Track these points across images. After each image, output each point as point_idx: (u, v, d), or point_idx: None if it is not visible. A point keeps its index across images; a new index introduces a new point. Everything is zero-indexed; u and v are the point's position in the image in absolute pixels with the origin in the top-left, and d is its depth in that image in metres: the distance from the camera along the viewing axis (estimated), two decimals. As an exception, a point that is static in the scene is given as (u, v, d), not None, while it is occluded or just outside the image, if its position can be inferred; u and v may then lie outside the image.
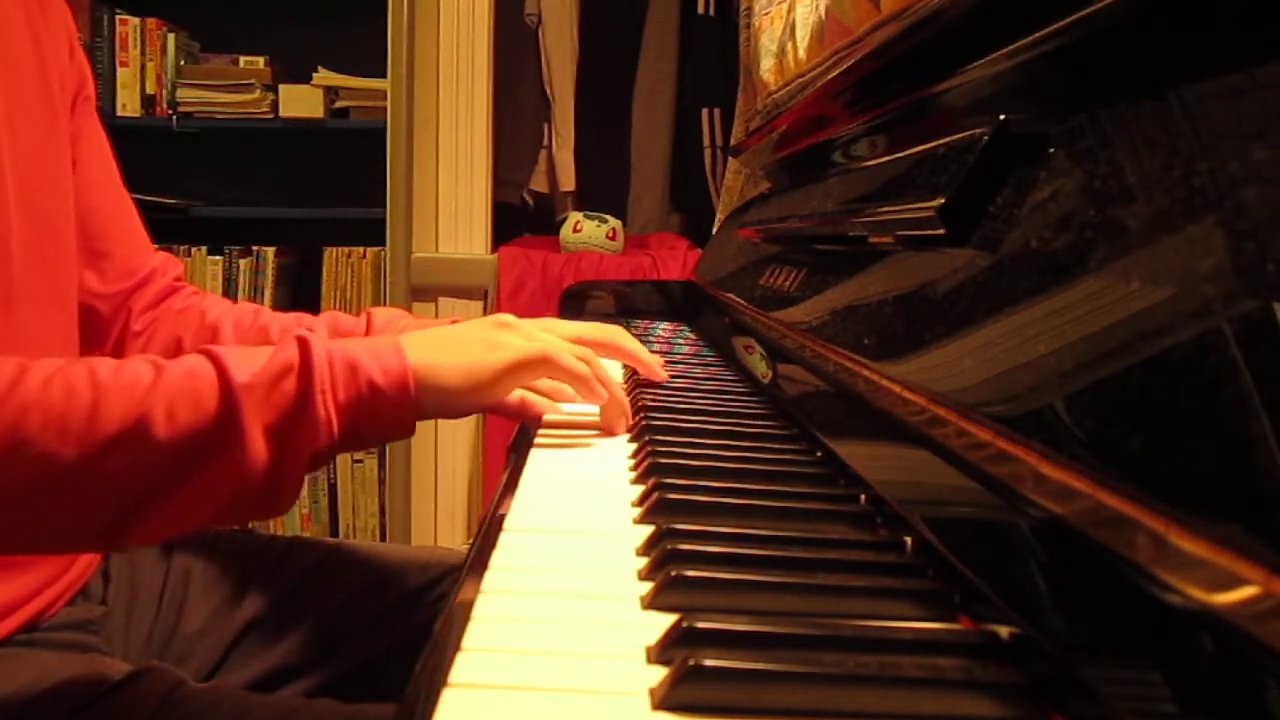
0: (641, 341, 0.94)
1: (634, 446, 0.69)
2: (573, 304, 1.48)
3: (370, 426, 0.63)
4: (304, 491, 2.47)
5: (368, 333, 0.87)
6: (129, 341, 0.86)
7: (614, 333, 0.81)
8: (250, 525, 2.56)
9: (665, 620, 0.38)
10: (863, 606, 0.42)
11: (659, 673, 0.35)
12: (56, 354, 0.72)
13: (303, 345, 0.61)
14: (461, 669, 0.35)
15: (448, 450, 2.35)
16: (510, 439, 0.76)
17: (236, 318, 0.89)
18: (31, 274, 0.69)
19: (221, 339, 0.87)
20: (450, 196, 2.34)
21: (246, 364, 0.59)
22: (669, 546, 0.45)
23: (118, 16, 2.47)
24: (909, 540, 0.48)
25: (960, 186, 0.56)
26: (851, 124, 0.95)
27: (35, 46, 0.73)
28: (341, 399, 0.61)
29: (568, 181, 2.57)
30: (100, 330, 0.85)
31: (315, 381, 0.60)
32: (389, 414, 0.63)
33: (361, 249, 2.51)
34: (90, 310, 0.82)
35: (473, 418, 2.36)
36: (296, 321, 0.90)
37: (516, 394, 0.75)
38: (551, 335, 0.71)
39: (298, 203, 2.57)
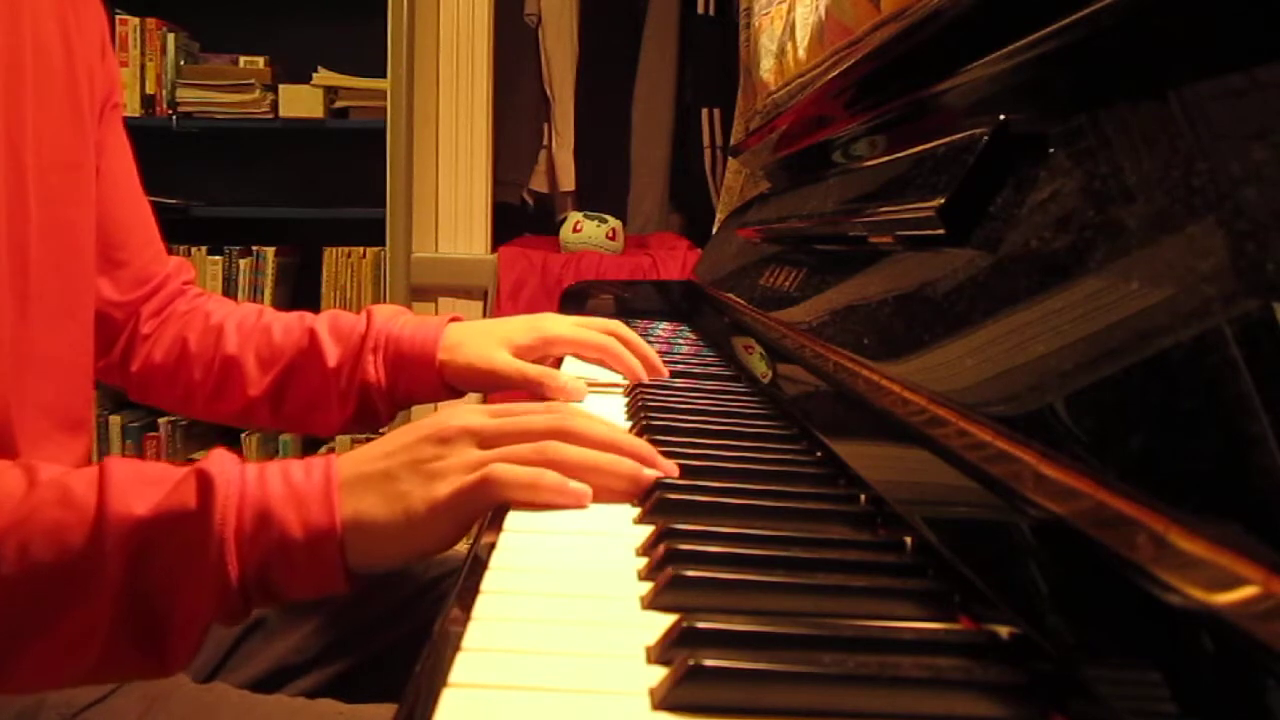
0: None
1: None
2: (572, 304, 1.48)
3: (287, 585, 0.53)
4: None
5: (367, 330, 0.87)
6: (138, 345, 0.87)
7: (613, 325, 0.82)
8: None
9: (665, 620, 0.38)
10: (863, 606, 0.42)
11: (659, 673, 0.35)
12: (69, 365, 0.72)
13: (203, 483, 0.52)
14: (461, 669, 0.35)
15: (448, 450, 2.35)
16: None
17: (240, 319, 0.90)
18: (47, 285, 0.68)
19: (226, 340, 0.87)
20: (450, 196, 2.34)
21: (137, 497, 0.51)
22: (669, 546, 0.45)
23: (118, 16, 2.47)
24: (909, 540, 0.48)
25: (960, 186, 0.56)
26: (851, 124, 0.95)
27: (66, 51, 0.71)
28: (248, 556, 0.51)
29: (568, 181, 2.57)
30: (110, 335, 0.85)
31: (213, 530, 0.51)
32: (309, 573, 0.52)
33: (361, 249, 2.51)
34: (103, 317, 0.82)
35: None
36: (298, 321, 0.90)
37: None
38: (503, 443, 0.56)
39: (298, 203, 2.57)
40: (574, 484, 0.54)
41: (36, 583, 0.49)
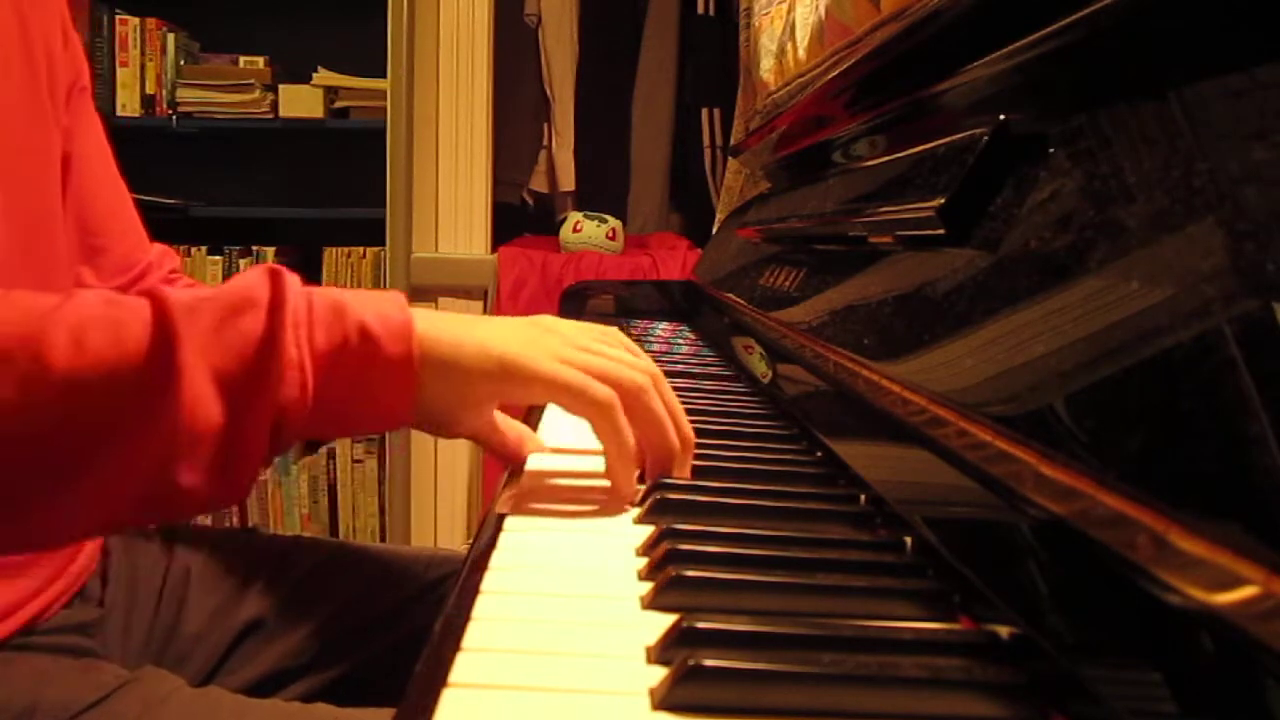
0: (641, 342, 0.95)
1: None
2: (572, 304, 1.48)
3: (356, 394, 0.48)
4: (303, 491, 2.48)
5: None
6: None
7: (611, 332, 0.82)
8: (251, 525, 2.56)
9: (665, 620, 0.38)
10: (862, 606, 0.42)
11: (659, 673, 0.35)
12: None
13: (274, 274, 0.48)
14: (461, 669, 0.35)
15: (447, 450, 2.35)
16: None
17: None
18: (18, 275, 0.68)
19: None
20: (450, 196, 2.34)
21: (193, 293, 0.47)
22: (669, 546, 0.45)
23: (118, 16, 2.47)
24: (909, 540, 0.48)
25: (960, 186, 0.56)
26: (851, 124, 0.95)
27: (23, 37, 0.71)
28: (321, 345, 0.47)
29: (568, 181, 2.57)
30: None
31: (287, 318, 0.46)
32: (382, 377, 0.48)
33: (361, 249, 2.51)
34: None
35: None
36: None
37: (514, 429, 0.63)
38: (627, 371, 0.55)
39: (298, 203, 2.57)
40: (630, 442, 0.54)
41: (90, 383, 0.43)
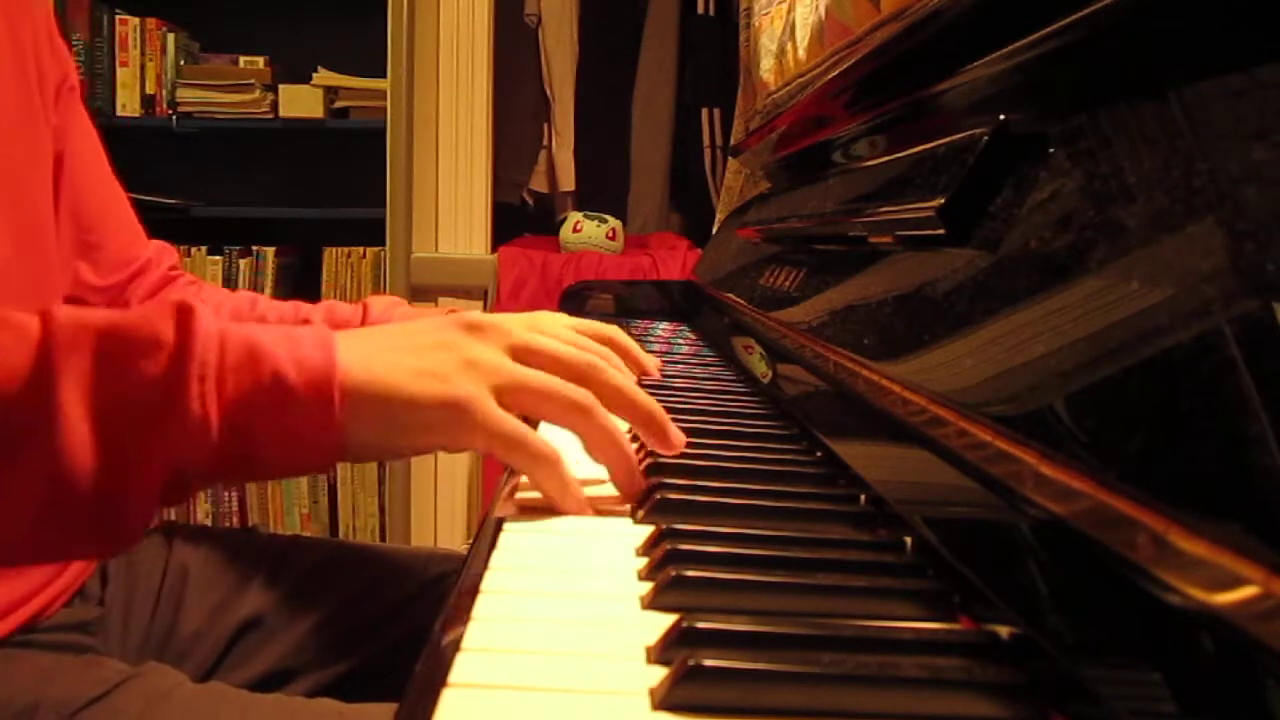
0: (641, 342, 0.95)
1: (634, 447, 0.69)
2: (572, 304, 1.48)
3: (273, 443, 0.44)
4: (303, 490, 2.48)
5: (364, 320, 0.88)
6: None
7: (610, 330, 0.82)
8: (251, 524, 2.56)
9: (665, 620, 0.38)
10: (863, 606, 0.42)
11: (659, 673, 0.35)
12: None
13: (182, 313, 0.44)
14: (461, 669, 0.35)
15: (447, 450, 2.35)
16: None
17: (234, 306, 0.90)
18: (13, 276, 0.68)
19: None
20: (450, 196, 2.34)
21: (92, 314, 0.43)
22: (669, 546, 0.45)
23: (118, 16, 2.47)
24: (909, 540, 0.48)
25: (960, 187, 0.56)
26: (851, 124, 0.95)
27: (12, 38, 0.71)
28: (230, 395, 0.43)
29: (568, 181, 2.57)
30: None
31: (192, 367, 0.42)
32: (301, 426, 0.44)
33: (361, 249, 2.51)
34: (84, 304, 0.82)
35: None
36: (293, 310, 0.91)
37: None
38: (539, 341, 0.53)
39: (298, 203, 2.57)
40: (611, 421, 0.51)
41: None
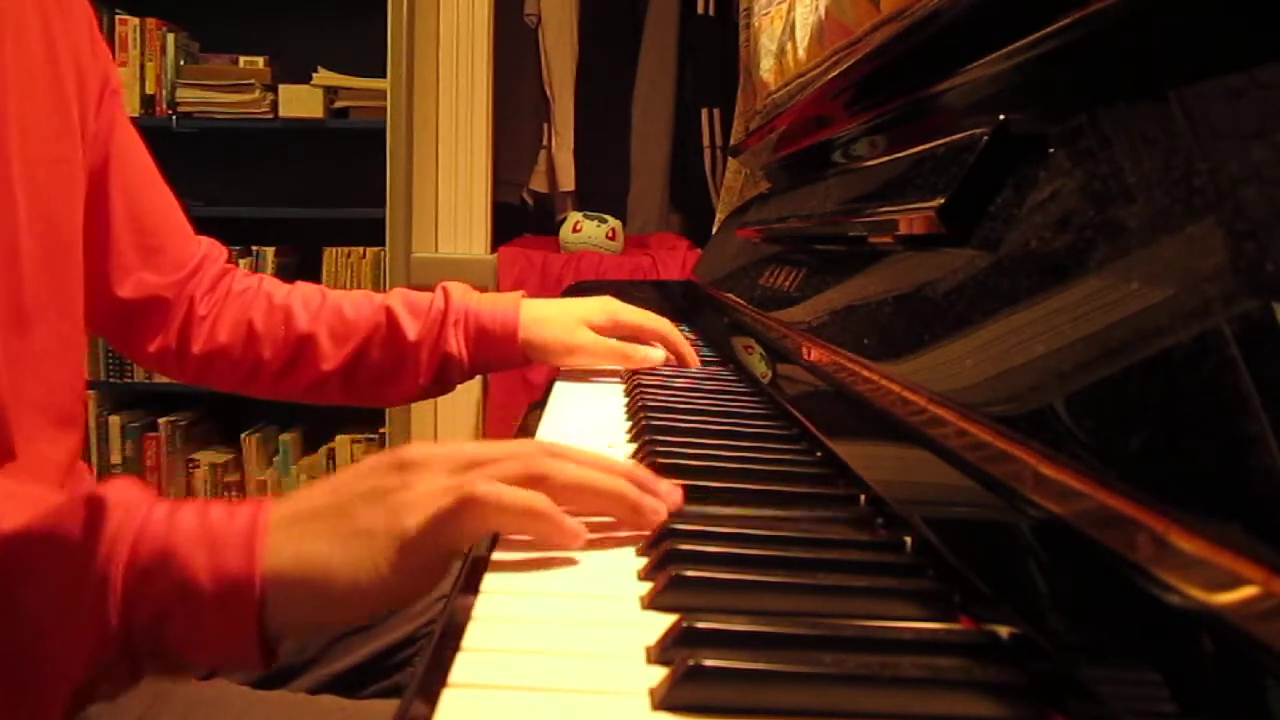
0: (641, 342, 0.96)
1: (634, 447, 0.69)
2: (573, 304, 1.48)
3: (187, 646, 0.43)
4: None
5: (447, 306, 0.91)
6: (196, 326, 0.88)
7: (664, 321, 0.96)
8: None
9: (665, 620, 0.38)
10: (863, 606, 0.42)
11: (659, 673, 0.35)
12: (60, 361, 0.71)
13: (94, 507, 0.43)
14: (461, 669, 0.35)
15: (448, 450, 2.35)
16: (511, 438, 0.76)
17: (305, 297, 0.92)
18: (41, 286, 0.68)
19: (296, 319, 0.90)
20: (450, 196, 2.34)
21: (5, 515, 0.42)
22: (669, 546, 0.45)
23: (118, 16, 2.47)
24: (909, 540, 0.48)
25: (960, 186, 0.56)
26: (851, 124, 0.95)
27: (48, 44, 0.71)
28: (138, 596, 0.42)
29: (567, 181, 2.57)
30: (164, 318, 0.86)
31: (97, 559, 0.41)
32: (214, 633, 0.42)
33: (361, 249, 2.51)
34: (156, 300, 0.85)
35: (474, 414, 2.36)
36: (367, 299, 0.93)
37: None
38: (477, 467, 0.47)
39: (298, 203, 2.57)
40: (569, 520, 0.46)
41: None
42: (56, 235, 0.71)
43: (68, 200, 0.73)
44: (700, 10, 2.53)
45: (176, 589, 0.42)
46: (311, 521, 0.44)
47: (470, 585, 0.43)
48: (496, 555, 0.46)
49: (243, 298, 0.91)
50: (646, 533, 0.49)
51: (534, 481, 0.47)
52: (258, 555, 0.42)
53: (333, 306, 0.92)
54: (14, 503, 0.43)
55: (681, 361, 0.97)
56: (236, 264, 0.96)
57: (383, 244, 2.34)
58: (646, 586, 0.43)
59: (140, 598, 0.42)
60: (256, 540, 0.43)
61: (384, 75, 2.27)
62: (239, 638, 0.42)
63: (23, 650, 0.41)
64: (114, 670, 0.42)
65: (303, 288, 0.94)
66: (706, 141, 2.54)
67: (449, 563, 0.45)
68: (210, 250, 0.92)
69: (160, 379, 2.42)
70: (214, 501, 0.45)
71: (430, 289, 0.94)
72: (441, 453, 0.48)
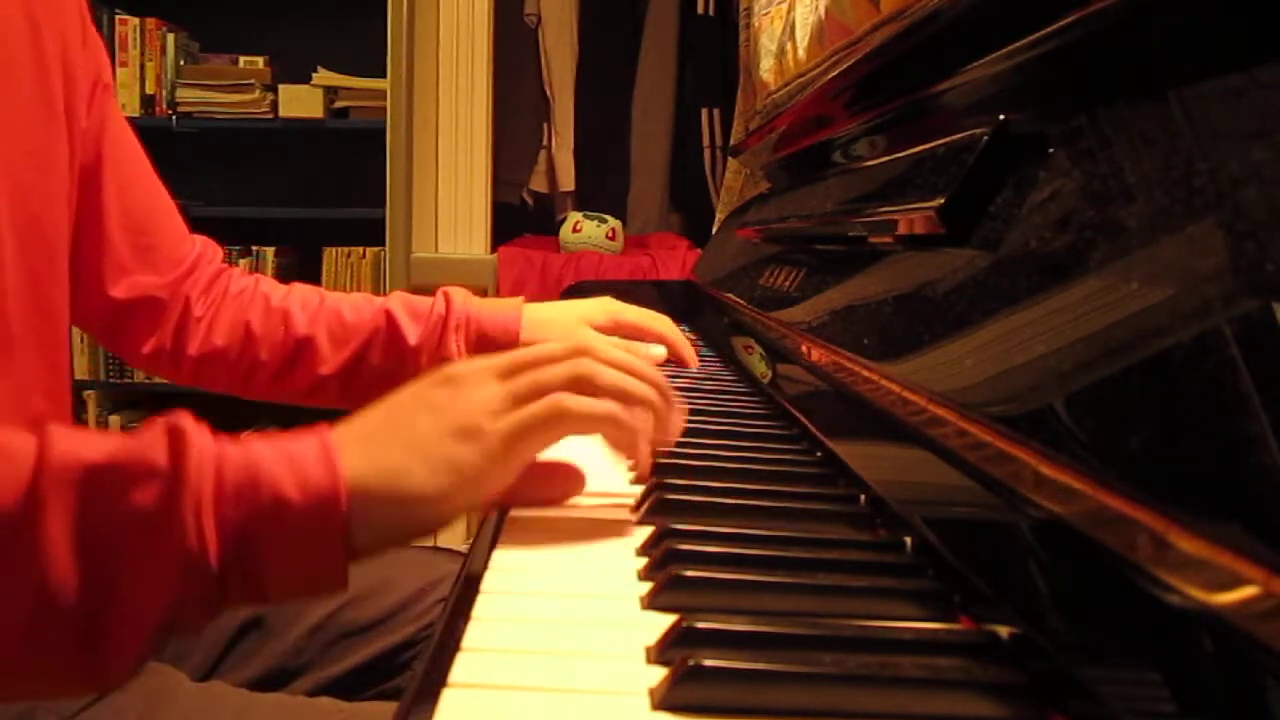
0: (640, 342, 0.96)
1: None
2: (572, 304, 1.48)
3: (275, 568, 0.42)
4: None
5: (448, 310, 0.90)
6: (192, 327, 0.87)
7: (665, 320, 0.95)
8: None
9: (665, 620, 0.38)
10: (862, 607, 0.42)
11: (659, 673, 0.35)
12: (43, 373, 0.71)
13: (174, 431, 0.42)
14: (461, 669, 0.35)
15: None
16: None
17: (303, 299, 0.91)
18: (22, 286, 0.67)
19: (294, 321, 0.89)
20: (450, 196, 2.34)
21: (86, 444, 0.41)
22: (669, 546, 0.45)
23: (117, 16, 2.47)
24: (909, 540, 0.48)
25: (960, 186, 0.56)
26: (851, 124, 0.95)
27: (34, 39, 0.70)
28: (229, 522, 0.41)
29: (567, 181, 2.57)
30: (159, 318, 0.86)
31: (186, 492, 0.40)
32: (306, 548, 0.42)
33: (361, 249, 2.51)
34: (151, 300, 0.84)
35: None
36: (367, 301, 0.92)
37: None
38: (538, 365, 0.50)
39: (298, 203, 2.57)
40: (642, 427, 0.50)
41: None
42: (38, 233, 0.69)
43: (50, 198, 0.71)
44: (700, 10, 2.53)
45: (266, 506, 0.42)
46: (379, 436, 0.46)
47: (470, 585, 0.43)
48: (497, 555, 0.47)
49: (240, 299, 0.90)
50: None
51: (579, 383, 0.50)
52: (340, 468, 0.43)
53: (331, 309, 0.91)
54: (89, 439, 0.42)
55: (681, 362, 0.97)
56: (233, 263, 0.95)
57: (383, 244, 2.34)
58: (646, 586, 0.43)
59: (230, 520, 0.41)
60: (334, 455, 0.43)
61: (384, 75, 2.27)
62: (326, 552, 0.43)
63: (108, 583, 0.40)
64: (199, 600, 0.41)
65: (300, 289, 0.93)
66: (706, 141, 2.54)
67: (521, 467, 0.48)
68: (205, 249, 0.91)
69: (160, 379, 2.42)
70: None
71: (430, 290, 0.94)
72: (483, 364, 0.50)
